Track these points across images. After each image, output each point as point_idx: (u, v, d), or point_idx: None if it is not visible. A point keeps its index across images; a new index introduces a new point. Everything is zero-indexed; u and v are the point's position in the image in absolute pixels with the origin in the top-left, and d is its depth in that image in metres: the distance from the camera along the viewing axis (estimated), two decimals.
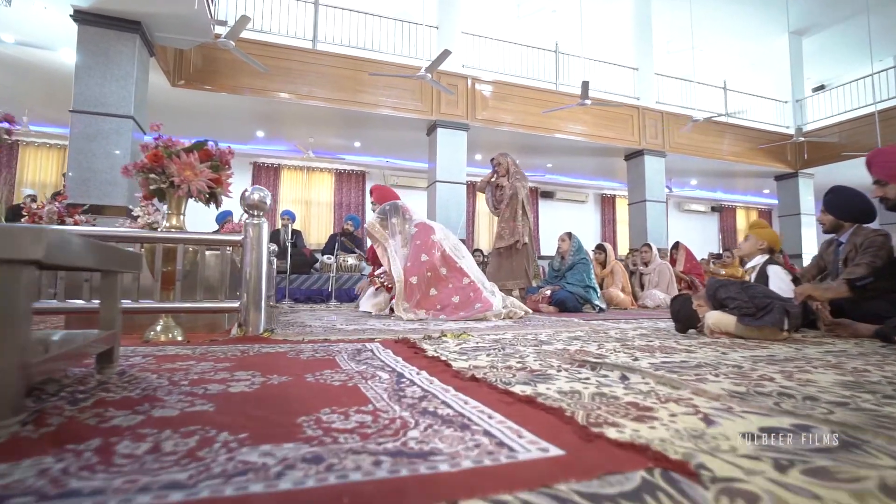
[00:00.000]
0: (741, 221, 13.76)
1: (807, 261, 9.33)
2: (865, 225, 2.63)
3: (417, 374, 1.18)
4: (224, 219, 6.05)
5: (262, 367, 1.26)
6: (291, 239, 6.02)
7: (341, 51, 7.26)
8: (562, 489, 0.52)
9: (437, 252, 3.41)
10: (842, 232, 2.71)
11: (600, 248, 5.68)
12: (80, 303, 1.67)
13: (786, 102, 10.43)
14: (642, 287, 5.88)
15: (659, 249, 6.52)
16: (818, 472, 0.56)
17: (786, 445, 0.66)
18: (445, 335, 2.09)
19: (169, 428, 0.71)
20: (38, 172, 8.48)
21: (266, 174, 9.59)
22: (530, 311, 3.83)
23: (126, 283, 1.74)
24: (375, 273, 3.82)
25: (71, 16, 4.87)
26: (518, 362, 1.39)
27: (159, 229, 1.88)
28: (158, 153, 1.78)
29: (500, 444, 0.66)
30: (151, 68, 5.63)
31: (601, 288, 4.95)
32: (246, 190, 1.94)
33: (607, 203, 12.31)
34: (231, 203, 2.29)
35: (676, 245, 6.49)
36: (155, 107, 6.34)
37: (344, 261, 6.41)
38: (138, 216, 2.47)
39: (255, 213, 1.94)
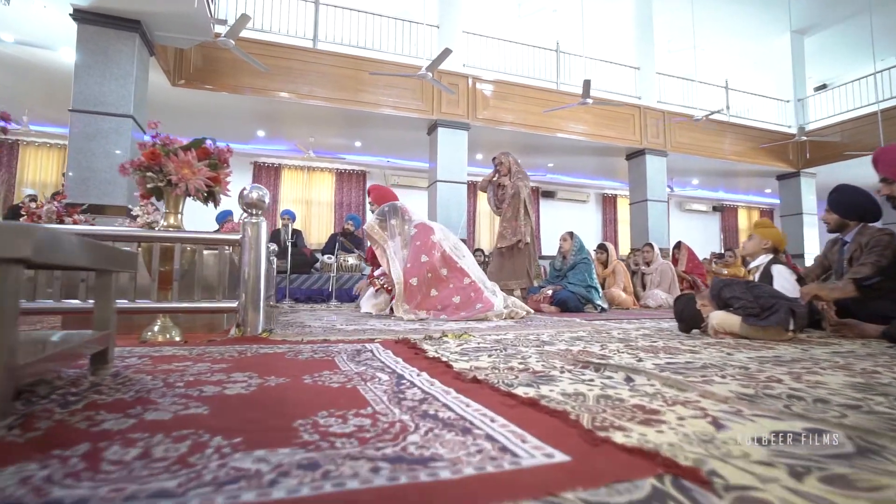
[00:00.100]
0: (743, 221, 13.72)
1: (809, 261, 9.31)
2: (871, 224, 2.60)
3: (418, 375, 1.16)
4: (224, 218, 6.04)
5: (260, 368, 1.24)
6: (292, 239, 6.00)
7: (342, 50, 7.24)
8: (568, 497, 0.49)
9: (437, 253, 3.38)
10: (846, 231, 2.68)
11: (602, 247, 5.65)
12: (75, 303, 1.65)
13: (787, 102, 10.40)
14: (644, 287, 5.85)
15: (661, 249, 6.49)
16: (836, 480, 0.54)
17: (800, 451, 0.64)
18: (446, 335, 2.07)
19: (161, 432, 0.69)
20: (39, 172, 8.46)
21: (267, 174, 9.57)
22: (532, 310, 3.81)
23: (123, 283, 1.72)
24: (375, 275, 3.79)
25: (70, 14, 4.86)
26: (520, 363, 1.37)
27: (157, 228, 1.85)
28: (156, 151, 1.76)
29: (504, 449, 0.64)
30: (152, 68, 5.62)
31: (603, 288, 4.92)
32: (244, 188, 1.92)
33: (608, 203, 12.27)
34: (230, 202, 2.27)
35: (679, 245, 6.46)
36: (155, 106, 6.32)
37: (344, 261, 6.39)
38: (138, 216, 2.45)
39: (254, 212, 1.92)
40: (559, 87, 8.71)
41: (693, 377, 1.18)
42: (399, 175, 10.22)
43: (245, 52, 5.55)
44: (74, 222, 3.57)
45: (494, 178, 5.07)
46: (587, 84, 6.73)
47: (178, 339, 1.84)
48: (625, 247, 10.50)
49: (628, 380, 1.14)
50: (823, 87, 11.54)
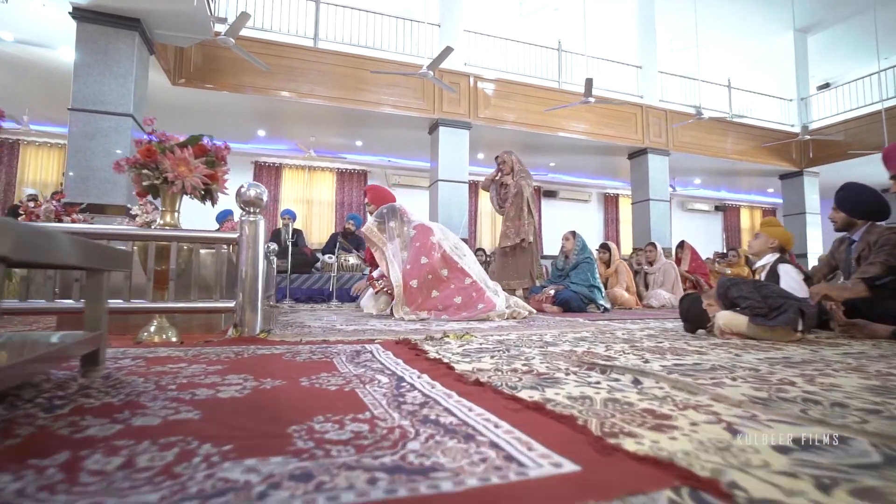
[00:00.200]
0: (745, 221, 13.66)
1: (812, 261, 9.27)
2: (879, 223, 2.56)
3: (418, 377, 1.12)
4: (224, 218, 6.01)
5: (256, 370, 1.20)
6: (292, 238, 5.96)
7: (343, 49, 7.21)
8: None
9: (437, 253, 3.33)
10: (854, 230, 2.63)
11: (604, 247, 5.61)
12: (69, 302, 1.61)
13: (790, 101, 10.34)
14: (647, 287, 5.81)
15: (663, 249, 6.44)
16: (867, 494, 0.50)
17: (824, 460, 0.60)
18: (448, 336, 2.03)
19: (148, 439, 0.66)
20: (39, 172, 8.44)
21: (267, 173, 9.54)
22: (534, 310, 3.77)
23: (118, 283, 1.69)
24: (374, 276, 3.74)
25: (70, 13, 4.83)
26: (524, 365, 1.33)
27: (153, 227, 1.82)
28: (151, 148, 1.72)
29: (509, 457, 0.60)
30: (152, 67, 5.59)
31: (605, 287, 4.88)
32: (242, 186, 1.89)
33: (610, 202, 12.22)
34: (231, 202, 2.23)
35: (682, 244, 6.42)
36: (155, 105, 6.30)
37: (345, 260, 6.36)
38: (137, 215, 2.42)
39: (252, 210, 1.88)
40: (561, 86, 8.67)
41: (703, 380, 1.14)
42: (400, 175, 10.19)
43: (245, 51, 5.53)
44: (73, 221, 3.54)
45: (497, 177, 5.03)
46: (589, 82, 6.68)
47: (174, 339, 1.81)
48: (626, 247, 10.46)
49: (636, 382, 1.10)
50: (826, 85, 11.48)
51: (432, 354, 1.50)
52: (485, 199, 10.62)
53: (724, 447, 0.65)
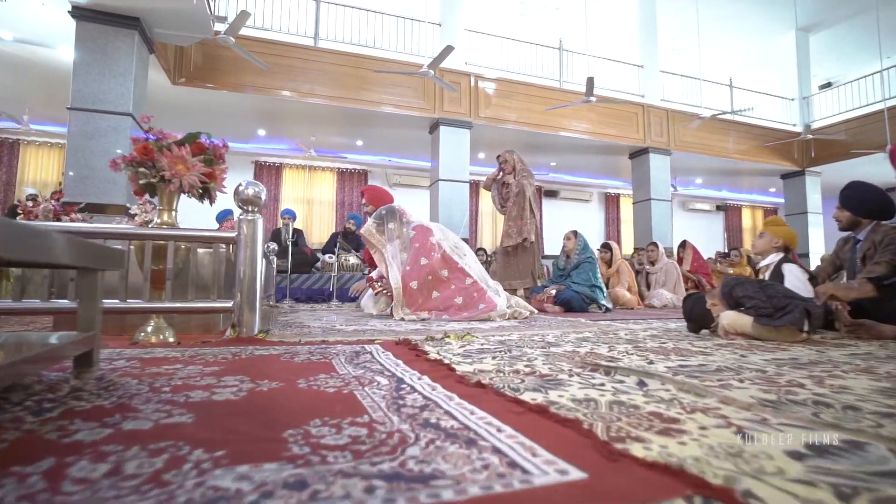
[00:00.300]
0: (747, 221, 13.62)
1: (814, 261, 9.23)
2: (884, 222, 2.53)
3: (419, 379, 1.10)
4: (225, 217, 5.99)
5: (253, 371, 1.18)
6: (292, 238, 5.94)
7: (343, 48, 7.19)
8: None
9: (437, 254, 3.30)
10: (859, 229, 2.60)
11: (606, 246, 5.58)
12: (65, 303, 1.59)
13: (792, 100, 10.30)
14: (648, 286, 5.78)
15: (665, 248, 6.41)
16: None
17: (841, 467, 0.58)
18: (448, 336, 2.01)
19: (138, 444, 0.63)
20: (39, 171, 8.42)
21: (268, 173, 9.52)
22: (535, 310, 3.74)
23: (114, 282, 1.67)
24: (374, 277, 3.71)
25: (69, 12, 4.81)
26: (526, 366, 1.31)
27: (150, 226, 1.80)
28: (148, 146, 1.70)
29: (512, 464, 0.58)
30: (152, 66, 5.57)
31: (607, 287, 4.86)
32: (240, 184, 1.86)
33: (611, 202, 12.19)
34: (229, 201, 2.21)
35: (684, 244, 6.39)
36: (155, 104, 6.28)
37: (346, 260, 6.33)
38: (136, 214, 2.40)
39: (250, 209, 1.86)
40: (562, 86, 8.64)
41: (709, 381, 1.12)
42: (401, 174, 10.16)
43: (245, 50, 5.51)
44: (72, 221, 3.52)
45: (499, 177, 5.00)
46: (590, 81, 6.66)
47: (171, 340, 1.79)
48: (628, 246, 10.43)
49: (641, 384, 1.08)
50: (828, 85, 11.44)
51: (433, 355, 1.47)
52: (486, 198, 10.60)
53: (736, 453, 0.63)
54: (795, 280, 2.26)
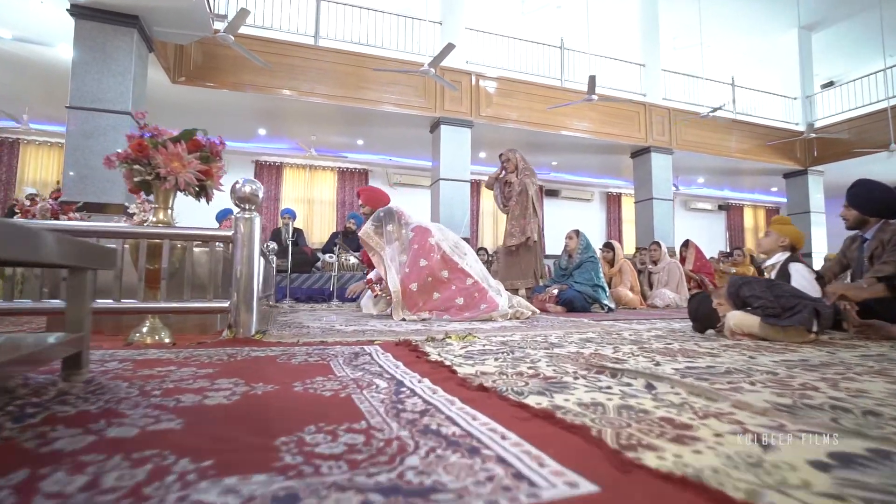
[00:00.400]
0: (749, 220, 13.57)
1: (817, 260, 9.18)
2: (892, 220, 2.49)
3: (419, 382, 1.06)
4: (225, 217, 5.96)
5: (248, 373, 1.14)
6: (292, 237, 5.91)
7: (344, 47, 7.15)
8: None
9: (437, 255, 3.25)
10: (867, 228, 2.56)
11: (608, 246, 5.53)
12: (56, 303, 1.56)
13: (795, 99, 10.25)
14: (651, 286, 5.74)
15: (668, 248, 6.37)
16: None
17: (870, 479, 0.54)
18: (449, 337, 1.97)
19: (120, 453, 0.60)
20: (39, 171, 8.40)
21: (268, 172, 9.49)
22: (537, 310, 3.70)
23: (108, 282, 1.63)
24: (373, 279, 3.67)
25: (67, 10, 4.78)
26: (529, 368, 1.27)
27: (145, 224, 1.76)
28: (143, 143, 1.67)
29: (518, 475, 0.54)
30: (151, 65, 5.54)
31: (609, 287, 4.81)
32: (237, 182, 1.82)
33: (613, 201, 12.14)
34: (227, 199, 2.17)
35: (686, 243, 6.34)
36: (155, 103, 6.25)
37: (346, 260, 6.30)
38: (134, 213, 2.36)
39: (247, 207, 1.82)
40: (563, 85, 8.60)
41: (719, 384, 1.08)
42: (401, 174, 10.12)
43: (245, 49, 5.47)
44: (69, 220, 3.49)
45: (501, 175, 4.96)
46: (592, 80, 6.61)
47: (167, 340, 1.75)
48: (629, 246, 10.38)
49: (649, 387, 1.04)
50: (830, 84, 11.37)
51: (433, 357, 1.44)
52: (487, 198, 10.56)
53: (756, 463, 0.59)
54: (802, 280, 2.22)
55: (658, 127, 8.85)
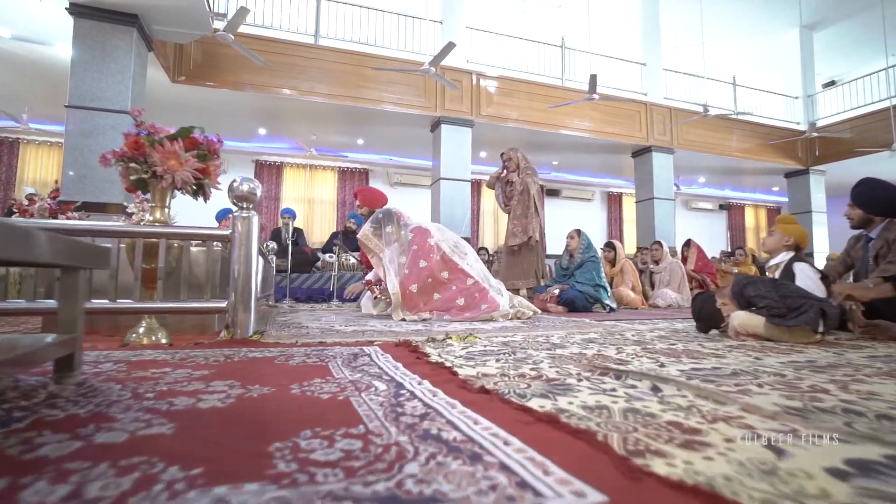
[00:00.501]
0: (750, 220, 13.54)
1: (819, 260, 9.14)
2: None
3: (419, 384, 1.04)
4: (224, 216, 5.93)
5: (244, 375, 1.12)
6: (292, 237, 5.88)
7: (344, 46, 7.13)
8: None
9: (436, 256, 3.23)
10: (871, 227, 2.53)
11: (610, 245, 5.51)
12: (51, 303, 1.53)
13: (796, 98, 10.22)
14: (652, 286, 5.71)
15: (669, 248, 6.34)
16: None
17: (892, 489, 0.51)
18: (450, 337, 1.95)
19: (108, 460, 0.57)
20: (39, 171, 8.38)
21: (269, 172, 9.47)
22: (539, 310, 3.68)
23: (103, 281, 1.61)
24: (372, 281, 3.64)
25: (66, 8, 4.76)
26: (532, 369, 1.25)
27: (142, 223, 1.74)
28: (139, 140, 1.64)
29: (522, 484, 0.52)
30: (151, 64, 5.52)
31: (610, 287, 4.79)
32: (234, 180, 1.80)
33: (614, 201, 12.12)
34: (225, 198, 2.15)
35: (688, 243, 6.31)
36: (155, 102, 6.23)
37: (346, 260, 6.27)
38: (133, 213, 2.34)
39: (245, 206, 1.80)
40: (564, 84, 8.57)
41: (726, 386, 1.05)
42: (402, 173, 10.10)
43: (244, 47, 5.45)
44: (67, 219, 3.46)
45: (502, 175, 4.94)
46: (593, 79, 6.59)
47: (164, 341, 1.73)
48: (630, 246, 10.35)
49: (655, 389, 1.01)
50: (832, 83, 11.34)
51: (434, 358, 1.41)
52: (487, 197, 10.53)
53: (770, 470, 0.56)
54: (807, 279, 2.20)
55: (659, 126, 8.82)
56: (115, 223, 1.70)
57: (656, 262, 5.80)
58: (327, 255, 6.60)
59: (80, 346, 1.05)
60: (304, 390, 0.98)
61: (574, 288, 4.20)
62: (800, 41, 9.89)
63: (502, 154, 4.97)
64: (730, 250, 9.62)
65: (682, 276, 5.51)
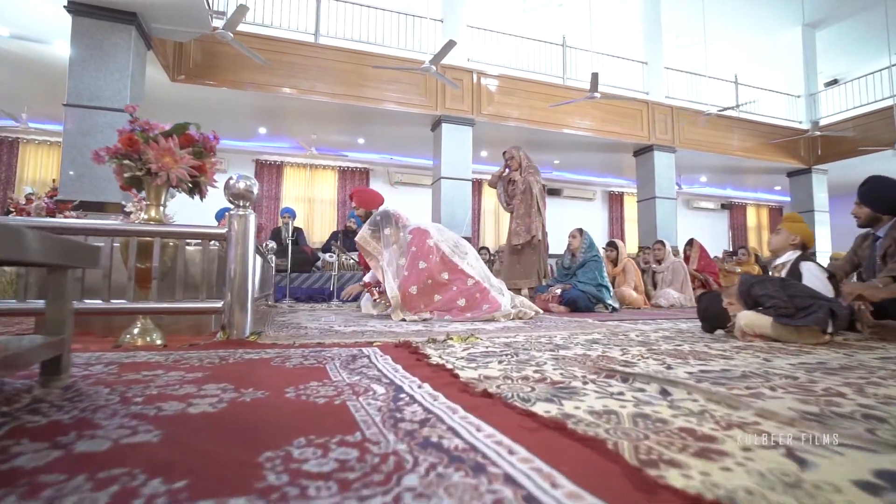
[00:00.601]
0: (751, 219, 13.49)
1: (822, 260, 9.09)
2: None
3: (419, 387, 1.00)
4: (223, 216, 5.90)
5: (238, 378, 1.08)
6: (293, 236, 5.85)
7: (344, 45, 7.09)
8: None
9: (436, 256, 3.18)
10: (879, 226, 2.50)
11: (612, 245, 5.47)
12: (40, 303, 1.50)
13: (798, 97, 10.17)
14: (655, 286, 5.67)
15: (672, 247, 6.30)
16: None
17: None
18: (451, 338, 1.91)
19: (86, 471, 0.54)
20: (38, 170, 8.35)
21: (269, 171, 9.44)
22: (540, 310, 3.64)
23: (96, 281, 1.58)
24: (371, 282, 3.59)
25: (65, 7, 4.73)
26: (535, 371, 1.21)
27: (136, 222, 1.70)
28: (133, 137, 1.61)
29: (529, 498, 0.48)
30: (150, 63, 5.49)
31: (613, 286, 4.75)
32: (230, 178, 1.76)
33: (615, 200, 12.07)
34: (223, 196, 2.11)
35: (691, 242, 6.27)
36: (154, 101, 6.20)
37: (347, 259, 6.24)
38: (131, 212, 2.30)
39: (241, 204, 1.76)
40: (565, 83, 8.52)
41: (738, 389, 1.01)
42: (402, 172, 10.06)
43: (244, 46, 5.41)
44: (64, 218, 3.43)
45: (504, 174, 4.90)
46: (595, 77, 6.55)
47: (159, 342, 1.69)
48: (632, 245, 10.31)
49: (664, 393, 0.98)
50: (834, 82, 11.29)
51: (434, 359, 1.38)
52: (488, 197, 10.49)
53: (794, 483, 0.53)
54: (815, 279, 2.16)
55: (661, 125, 8.78)
56: (107, 221, 1.66)
57: (658, 262, 5.76)
58: (327, 255, 6.57)
59: (68, 348, 1.01)
60: (300, 394, 0.94)
61: (576, 288, 4.16)
62: (802, 39, 9.84)
63: (504, 153, 4.93)
64: (732, 250, 9.57)
65: (684, 276, 5.47)
